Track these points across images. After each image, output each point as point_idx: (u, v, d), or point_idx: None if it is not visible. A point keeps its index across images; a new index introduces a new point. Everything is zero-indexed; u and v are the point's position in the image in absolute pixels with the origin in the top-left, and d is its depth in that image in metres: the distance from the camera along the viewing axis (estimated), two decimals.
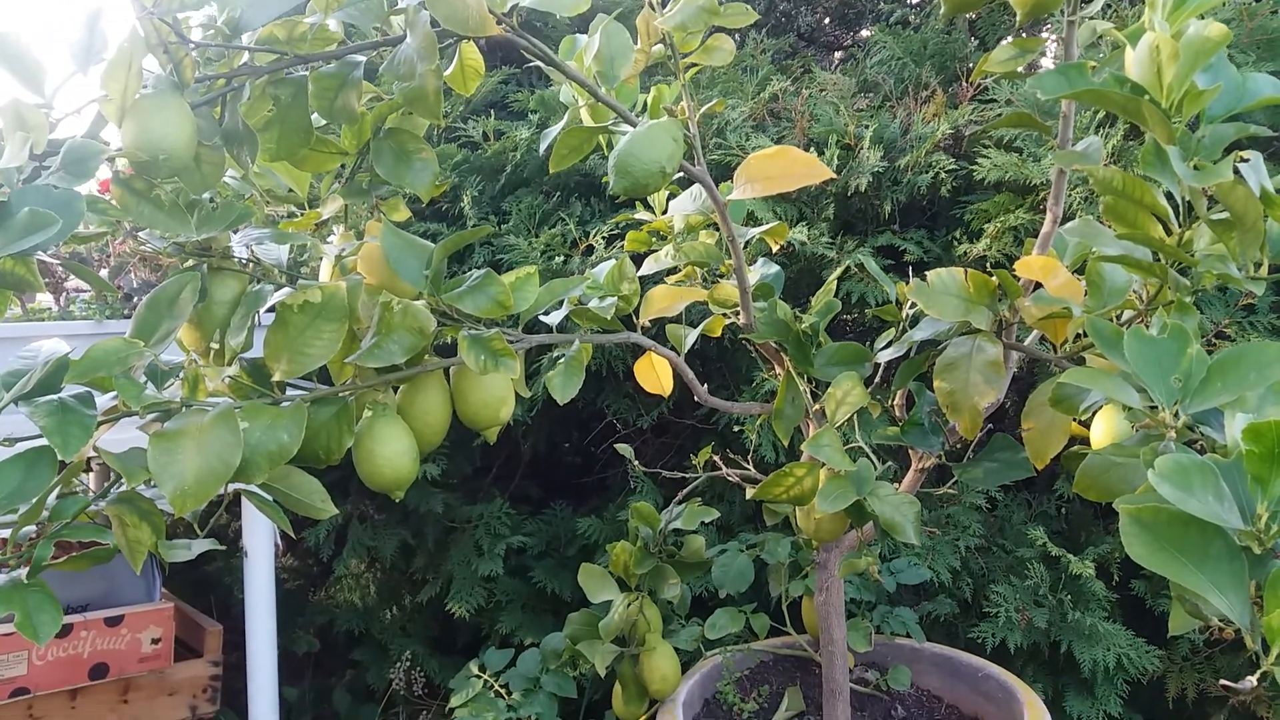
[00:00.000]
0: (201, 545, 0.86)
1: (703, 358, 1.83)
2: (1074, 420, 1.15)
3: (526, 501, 2.19)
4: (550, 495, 2.18)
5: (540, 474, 2.30)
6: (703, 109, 1.00)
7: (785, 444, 1.22)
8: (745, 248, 1.09)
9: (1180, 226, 0.79)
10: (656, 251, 1.17)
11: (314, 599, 2.43)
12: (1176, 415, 0.75)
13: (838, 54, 2.68)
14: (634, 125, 0.92)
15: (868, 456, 1.11)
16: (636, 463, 1.43)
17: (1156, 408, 0.74)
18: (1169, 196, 0.80)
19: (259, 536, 1.81)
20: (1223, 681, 0.61)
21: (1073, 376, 0.74)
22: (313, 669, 2.29)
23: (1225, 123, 0.73)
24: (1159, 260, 0.82)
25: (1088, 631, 1.54)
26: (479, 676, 1.51)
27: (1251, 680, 0.64)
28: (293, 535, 0.89)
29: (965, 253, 1.55)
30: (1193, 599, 0.71)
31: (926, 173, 1.55)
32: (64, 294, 1.86)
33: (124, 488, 0.82)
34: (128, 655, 1.68)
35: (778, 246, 1.26)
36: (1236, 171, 0.72)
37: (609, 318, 1.00)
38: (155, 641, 1.71)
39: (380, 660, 2.15)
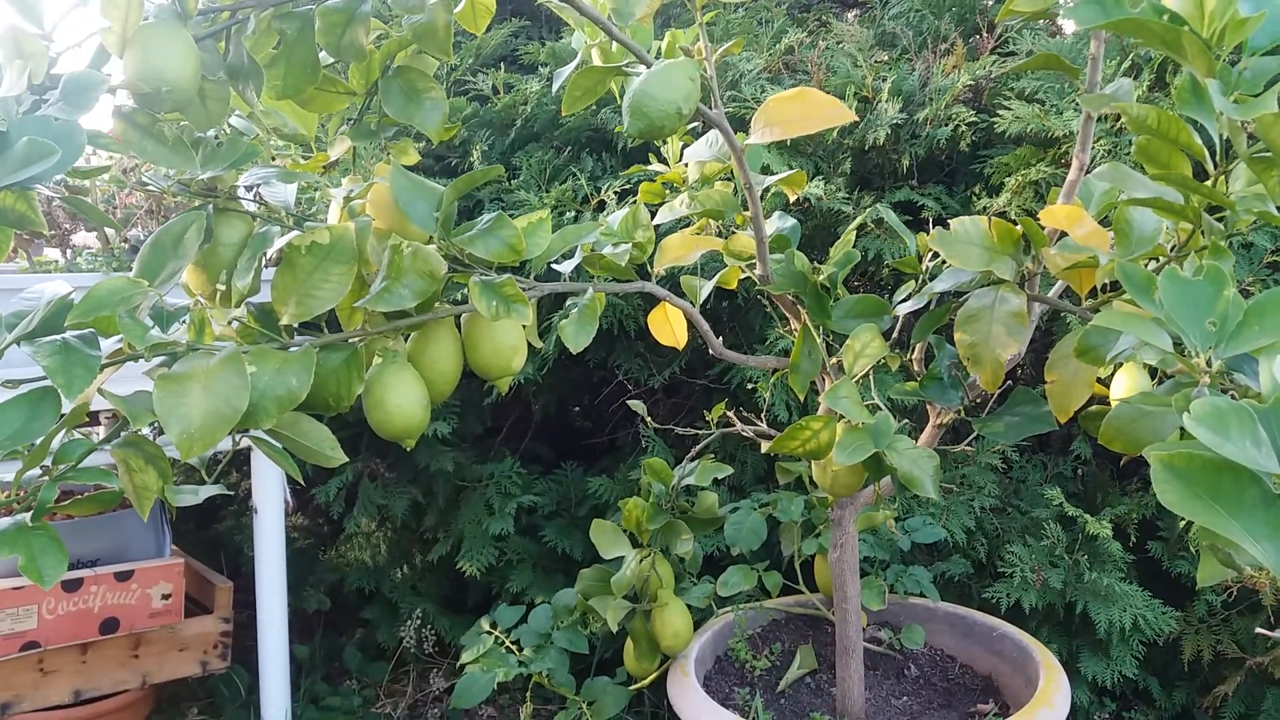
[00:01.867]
0: (209, 490, 0.85)
1: (715, 317, 1.81)
2: (1095, 380, 1.13)
3: (537, 461, 2.18)
4: (561, 456, 2.17)
5: (551, 435, 2.29)
6: (720, 50, 0.97)
7: (801, 399, 1.20)
8: (762, 199, 1.06)
9: (1217, 168, 0.76)
10: (670, 203, 1.15)
11: (325, 558, 2.44)
12: (1210, 362, 0.72)
13: (853, 12, 2.63)
14: (649, 66, 0.89)
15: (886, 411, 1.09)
16: (649, 419, 1.41)
17: (1189, 353, 0.72)
18: (1204, 137, 0.77)
19: (269, 493, 1.80)
20: (1259, 629, 0.59)
21: (1104, 319, 0.72)
22: (323, 627, 2.29)
23: (1268, 55, 0.70)
24: (1191, 204, 0.79)
25: (1104, 592, 1.52)
26: (490, 633, 1.51)
27: None
28: (301, 483, 0.88)
29: (985, 208, 1.52)
30: (1226, 548, 0.69)
31: (946, 125, 1.52)
32: (70, 248, 1.84)
33: (130, 431, 0.81)
34: (138, 610, 1.68)
35: (795, 197, 1.23)
36: None
37: (623, 265, 0.97)
38: (166, 597, 1.70)
39: (391, 619, 2.15)
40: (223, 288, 0.83)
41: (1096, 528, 1.50)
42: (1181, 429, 0.80)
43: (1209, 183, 0.76)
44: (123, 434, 0.81)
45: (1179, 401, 0.69)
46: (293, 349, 0.84)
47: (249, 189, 0.94)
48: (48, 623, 1.60)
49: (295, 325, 0.87)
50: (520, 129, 1.81)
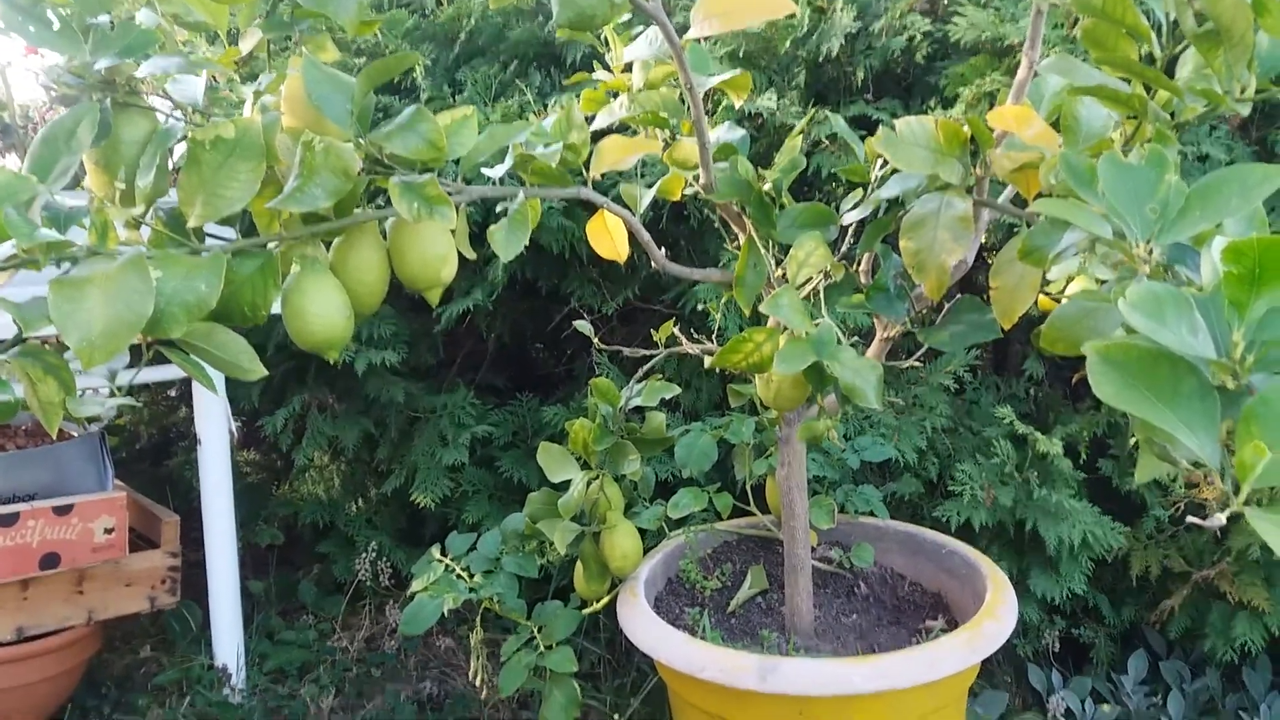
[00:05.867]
0: (115, 401, 0.81)
1: (671, 240, 1.78)
2: (1044, 295, 1.11)
3: (493, 392, 2.15)
4: (518, 387, 2.14)
5: (507, 366, 2.26)
6: None
7: (747, 314, 1.17)
8: (708, 107, 1.02)
9: (1163, 50, 0.73)
10: (609, 106, 1.10)
11: (278, 492, 2.40)
12: (1151, 251, 0.70)
13: None
14: None
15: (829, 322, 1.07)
16: (596, 339, 1.38)
17: (1130, 244, 0.70)
18: (1152, 20, 0.74)
19: (212, 423, 1.76)
20: (1190, 518, 0.57)
21: (1042, 206, 0.69)
22: (278, 562, 2.27)
23: None
24: (1137, 91, 0.76)
25: (1054, 509, 1.53)
26: (440, 560, 1.49)
27: (1220, 518, 0.61)
28: (213, 389, 0.84)
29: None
30: (1162, 441, 0.68)
31: (901, 35, 1.47)
32: None
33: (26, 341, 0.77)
34: (79, 545, 1.64)
35: (743, 106, 1.19)
36: None
37: (554, 167, 0.93)
38: (108, 531, 1.67)
39: (347, 552, 2.13)
40: (123, 186, 0.79)
41: (1047, 445, 1.50)
42: (1125, 326, 0.78)
43: (1156, 67, 0.73)
44: (19, 345, 0.77)
45: (1118, 293, 0.67)
46: (203, 254, 0.80)
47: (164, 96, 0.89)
48: None
49: (205, 229, 0.83)
50: (465, 43, 1.75)
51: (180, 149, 0.84)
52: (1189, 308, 0.62)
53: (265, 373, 0.86)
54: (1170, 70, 0.79)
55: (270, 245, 0.86)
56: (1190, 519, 0.59)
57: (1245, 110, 0.68)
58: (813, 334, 1.00)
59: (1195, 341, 0.62)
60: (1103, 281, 0.99)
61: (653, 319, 1.95)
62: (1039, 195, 0.99)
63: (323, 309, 0.86)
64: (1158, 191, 0.67)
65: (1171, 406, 0.64)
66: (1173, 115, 0.80)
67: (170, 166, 0.87)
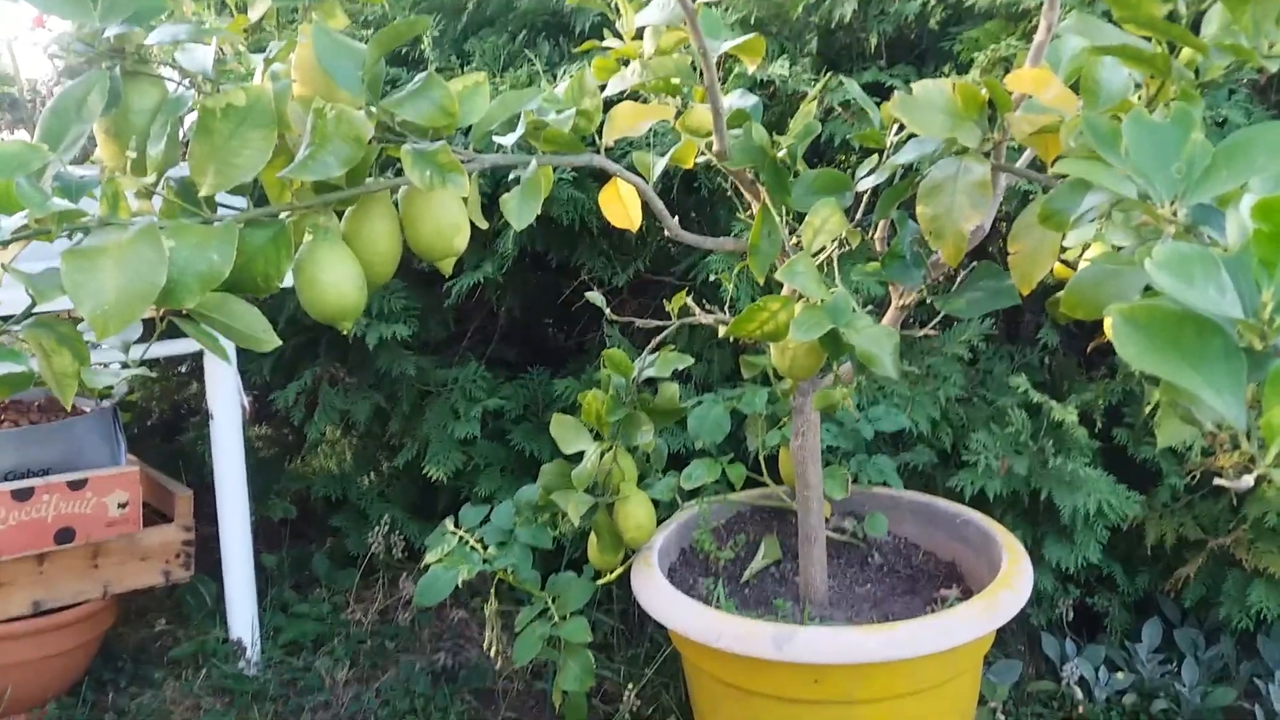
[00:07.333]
0: (129, 373, 0.80)
1: (682, 210, 1.76)
2: (1060, 262, 1.10)
3: (504, 365, 2.15)
4: (529, 360, 2.13)
5: (518, 339, 2.25)
6: None
7: (761, 282, 1.16)
8: (719, 74, 1.01)
9: (1188, 7, 0.71)
10: (621, 72, 1.09)
11: (290, 466, 2.41)
12: (1176, 211, 0.69)
13: None
14: None
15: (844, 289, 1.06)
16: (608, 310, 1.37)
17: (1155, 204, 0.69)
18: None
19: (224, 396, 1.76)
20: (1217, 479, 0.57)
21: (1066, 166, 0.68)
22: (291, 536, 2.28)
23: None
24: (1161, 50, 0.75)
25: (1069, 478, 1.52)
26: (454, 532, 1.49)
27: (1248, 479, 0.60)
28: (226, 360, 0.84)
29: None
30: (1187, 402, 0.67)
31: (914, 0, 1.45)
32: None
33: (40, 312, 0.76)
34: (94, 519, 1.65)
35: (755, 72, 1.18)
36: None
37: (567, 133, 0.92)
38: (122, 506, 1.67)
39: (359, 526, 2.14)
40: (134, 155, 0.78)
41: (1062, 414, 1.49)
42: (1146, 289, 0.77)
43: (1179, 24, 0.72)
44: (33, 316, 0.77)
45: (1143, 253, 0.66)
46: (215, 224, 0.80)
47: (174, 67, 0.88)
48: (0, 533, 1.56)
49: (216, 198, 0.82)
50: (473, 13, 1.73)
51: (190, 119, 0.84)
52: (1217, 268, 0.61)
53: (279, 343, 0.85)
54: (1194, 29, 0.77)
55: (282, 215, 0.85)
56: (1217, 481, 0.58)
57: (1274, 66, 0.66)
58: (828, 301, 0.99)
59: (1223, 301, 0.61)
60: (1120, 248, 0.98)
61: (663, 291, 1.93)
62: (1058, 158, 0.98)
63: (336, 278, 0.86)
64: (1183, 151, 0.65)
65: (1197, 368, 0.63)
66: (1196, 74, 0.79)
67: (180, 137, 0.86)
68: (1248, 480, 0.59)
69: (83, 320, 0.74)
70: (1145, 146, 0.66)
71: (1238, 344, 0.63)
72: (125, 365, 0.83)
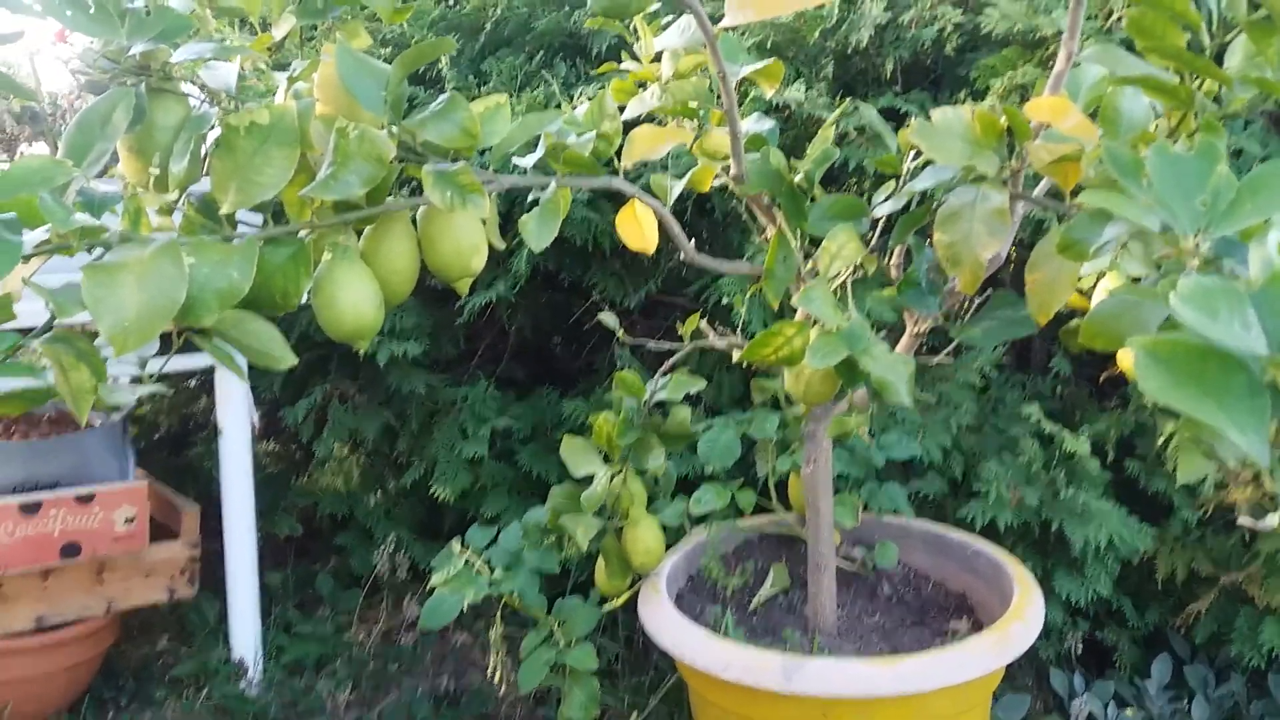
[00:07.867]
0: (145, 389, 0.80)
1: (694, 232, 1.76)
2: (1076, 292, 1.09)
3: (513, 385, 2.14)
4: (538, 380, 2.13)
5: (528, 358, 2.25)
6: None
7: (775, 308, 1.16)
8: (738, 96, 1.01)
9: (1213, 39, 0.71)
10: (640, 95, 1.09)
11: (296, 483, 2.40)
12: (1199, 245, 0.69)
13: None
14: None
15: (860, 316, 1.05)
16: (620, 331, 1.37)
17: (1178, 237, 0.68)
18: (1199, 9, 0.73)
19: (234, 413, 1.76)
20: (1241, 519, 0.56)
21: (1088, 197, 0.68)
22: (296, 554, 2.27)
23: None
24: (1184, 82, 0.75)
25: (1080, 510, 1.51)
26: (460, 554, 1.48)
27: (1273, 519, 0.60)
28: (242, 378, 0.83)
29: None
30: (1209, 439, 0.66)
31: (931, 26, 1.46)
32: (20, 156, 1.77)
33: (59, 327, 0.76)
34: (100, 535, 1.64)
35: (772, 96, 1.18)
36: None
37: (587, 156, 0.92)
38: (129, 521, 1.67)
39: (365, 545, 2.13)
40: (157, 171, 0.78)
41: (1074, 445, 1.48)
42: (1165, 321, 0.76)
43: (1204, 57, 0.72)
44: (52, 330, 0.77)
45: (1165, 286, 0.66)
46: (235, 241, 0.80)
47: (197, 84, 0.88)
48: (6, 546, 1.56)
49: (237, 216, 0.82)
50: (490, 33, 1.74)
51: (211, 136, 0.84)
52: (1242, 302, 0.61)
53: (295, 361, 0.85)
54: (1217, 60, 0.78)
55: (302, 233, 0.86)
56: (1242, 521, 0.57)
57: None
58: (845, 328, 0.98)
59: (1248, 337, 0.60)
60: (1136, 279, 0.97)
61: (674, 313, 1.93)
62: (1078, 188, 0.98)
63: (355, 298, 0.86)
64: (1208, 183, 0.65)
65: (1220, 404, 0.62)
66: (1218, 103, 0.79)
67: (202, 154, 0.87)
68: (1271, 520, 0.58)
69: (99, 335, 0.74)
70: (1169, 178, 0.66)
71: (1262, 381, 0.63)
72: (139, 380, 0.83)
